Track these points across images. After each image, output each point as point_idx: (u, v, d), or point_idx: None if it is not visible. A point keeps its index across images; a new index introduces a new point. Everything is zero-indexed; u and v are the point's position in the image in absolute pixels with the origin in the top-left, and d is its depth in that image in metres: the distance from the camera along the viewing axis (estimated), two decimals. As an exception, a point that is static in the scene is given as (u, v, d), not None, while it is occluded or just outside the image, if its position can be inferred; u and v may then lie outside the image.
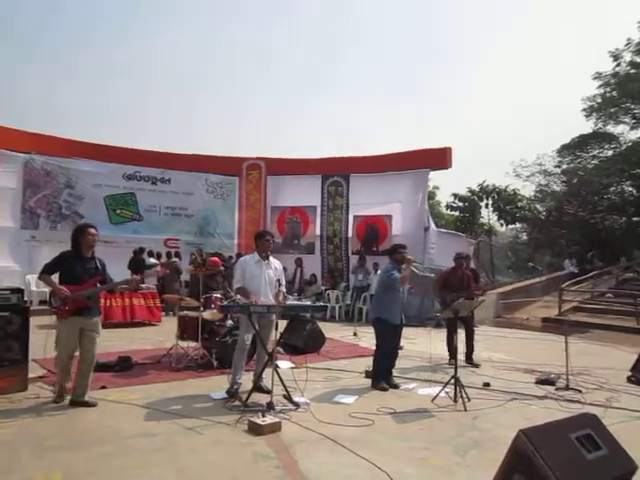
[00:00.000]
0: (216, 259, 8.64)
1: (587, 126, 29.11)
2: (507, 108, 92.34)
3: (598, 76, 26.51)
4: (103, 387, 5.45)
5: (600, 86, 26.82)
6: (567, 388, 5.82)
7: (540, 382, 6.19)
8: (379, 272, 6.96)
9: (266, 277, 5.45)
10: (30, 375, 5.39)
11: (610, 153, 27.37)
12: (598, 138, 27.56)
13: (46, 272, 4.93)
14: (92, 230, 5.01)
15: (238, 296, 5.61)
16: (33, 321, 5.44)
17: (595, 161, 27.73)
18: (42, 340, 5.05)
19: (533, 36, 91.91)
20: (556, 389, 5.86)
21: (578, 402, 5.35)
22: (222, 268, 8.61)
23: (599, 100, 27.03)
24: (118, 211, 14.40)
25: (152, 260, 13.01)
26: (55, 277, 4.94)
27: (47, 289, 5.01)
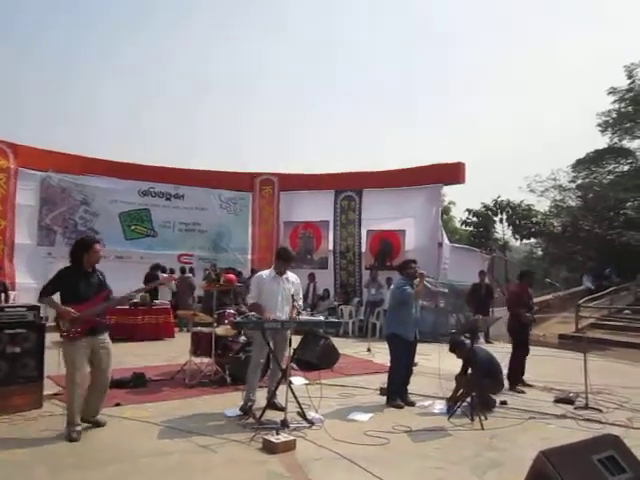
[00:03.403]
0: (232, 276, 8.56)
1: (602, 141, 28.94)
2: (524, 122, 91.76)
3: (613, 91, 26.44)
4: (117, 404, 5.43)
5: (615, 101, 26.73)
6: (586, 407, 5.69)
7: (559, 401, 6.05)
8: (392, 287, 6.88)
9: (283, 293, 5.41)
10: (45, 392, 5.39)
11: (626, 168, 27.18)
12: (614, 153, 27.42)
13: (46, 294, 4.55)
14: (98, 246, 4.64)
15: (252, 313, 5.58)
16: (48, 338, 5.46)
17: (611, 176, 27.53)
18: (56, 356, 5.04)
19: (547, 50, 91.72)
20: (575, 408, 5.72)
21: (598, 422, 5.22)
22: (237, 284, 8.56)
23: (614, 115, 26.91)
24: (133, 227, 14.51)
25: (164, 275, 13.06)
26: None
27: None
